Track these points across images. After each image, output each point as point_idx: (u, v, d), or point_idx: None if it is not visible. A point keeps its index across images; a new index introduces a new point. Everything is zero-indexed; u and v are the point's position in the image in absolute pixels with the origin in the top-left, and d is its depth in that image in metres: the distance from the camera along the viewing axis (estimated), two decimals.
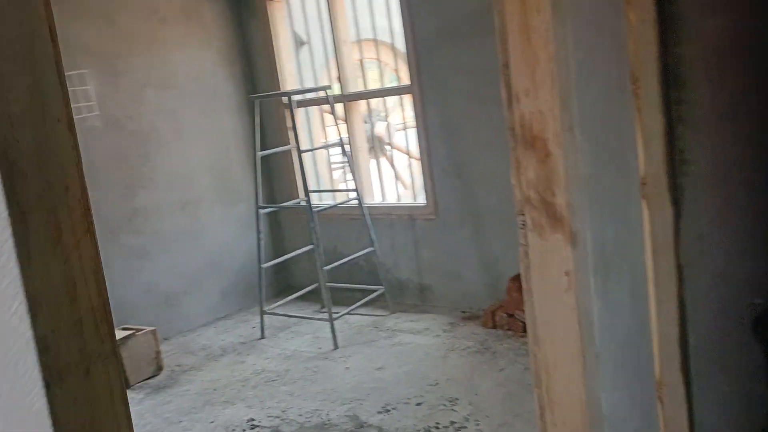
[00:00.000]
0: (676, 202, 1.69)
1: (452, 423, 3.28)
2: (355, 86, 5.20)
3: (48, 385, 0.70)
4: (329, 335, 4.45)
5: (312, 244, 4.61)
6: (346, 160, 4.85)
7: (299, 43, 5.63)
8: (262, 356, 4.44)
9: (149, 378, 4.27)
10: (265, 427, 3.49)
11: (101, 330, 0.73)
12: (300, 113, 5.52)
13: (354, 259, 4.93)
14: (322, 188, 5.57)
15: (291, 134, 5.16)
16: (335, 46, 5.07)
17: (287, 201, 5.42)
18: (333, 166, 6.16)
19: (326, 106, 5.37)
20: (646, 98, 1.65)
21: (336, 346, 4.40)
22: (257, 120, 4.60)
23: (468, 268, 4.70)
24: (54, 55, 0.74)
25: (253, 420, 3.57)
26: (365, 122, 6.06)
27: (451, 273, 4.80)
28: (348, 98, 5.13)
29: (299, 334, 4.75)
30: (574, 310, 1.64)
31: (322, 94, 4.81)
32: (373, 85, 6.11)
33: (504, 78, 1.61)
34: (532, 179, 1.62)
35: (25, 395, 0.69)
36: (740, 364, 1.73)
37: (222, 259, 5.30)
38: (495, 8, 1.68)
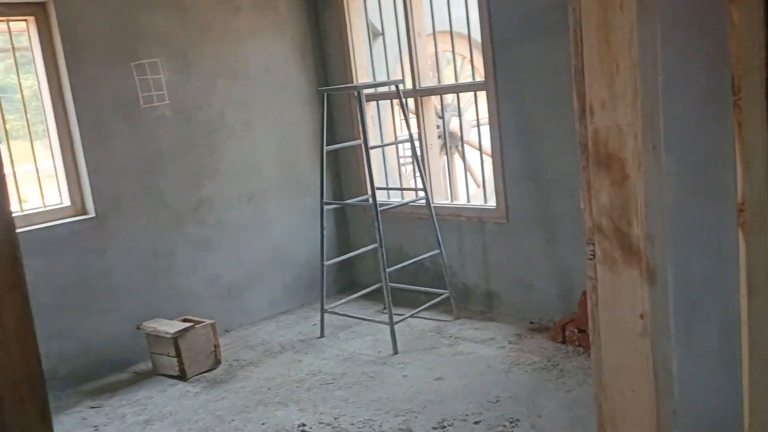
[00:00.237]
0: None
1: None
2: (429, 81, 5.00)
3: None
4: (389, 338, 4.30)
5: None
6: (416, 156, 4.67)
7: (374, 34, 5.48)
8: (319, 356, 4.34)
9: (207, 371, 4.23)
10: None
11: (28, 408, 0.59)
12: (371, 107, 5.38)
13: (419, 260, 4.75)
14: (391, 185, 5.41)
15: (360, 129, 5.01)
16: (409, 38, 4.88)
17: (355, 197, 5.29)
18: (403, 162, 5.99)
19: (398, 101, 5.19)
20: (749, 111, 1.38)
21: (395, 351, 4.25)
22: (325, 113, 4.48)
23: (539, 276, 4.44)
24: None
25: (304, 426, 3.46)
26: (439, 117, 5.85)
27: (521, 281, 4.55)
28: (420, 93, 4.94)
29: (359, 335, 4.61)
30: (648, 358, 1.41)
31: (393, 88, 4.64)
32: (448, 79, 5.89)
33: (577, 86, 1.39)
34: (605, 205, 1.39)
35: None
36: None
37: (286, 252, 5.22)
38: (570, 4, 1.45)
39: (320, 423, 3.47)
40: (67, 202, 4.30)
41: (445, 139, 5.67)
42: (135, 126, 4.42)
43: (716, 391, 1.53)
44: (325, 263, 4.67)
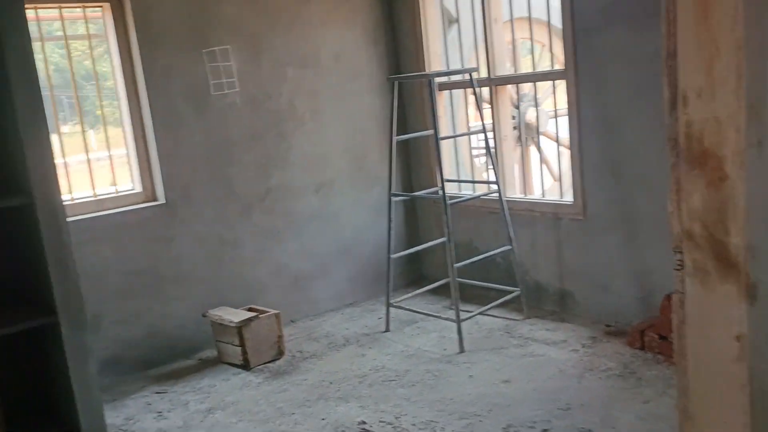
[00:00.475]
0: None
1: None
2: (504, 69, 4.80)
3: None
4: (456, 336, 4.15)
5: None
6: (489, 148, 4.48)
7: (449, 21, 5.30)
8: (383, 351, 4.23)
9: (270, 362, 4.20)
10: None
11: None
12: (443, 97, 5.21)
13: (489, 256, 4.57)
14: (462, 178, 5.24)
15: (431, 119, 4.86)
16: (485, 25, 4.69)
17: (425, 189, 5.14)
18: (476, 154, 5.80)
19: (471, 90, 5.01)
20: None
21: (462, 350, 4.10)
22: (395, 102, 4.35)
23: (617, 277, 4.19)
24: None
25: (364, 423, 3.37)
26: (515, 107, 5.63)
27: (597, 281, 4.31)
28: (495, 82, 4.74)
29: (425, 331, 4.49)
30: (744, 387, 1.22)
31: (466, 76, 4.47)
32: (525, 68, 5.66)
33: (668, 72, 1.20)
34: (698, 208, 1.21)
35: None
36: None
37: (353, 244, 5.14)
38: None
39: (381, 422, 3.37)
40: (138, 189, 4.34)
41: (520, 130, 5.45)
42: (205, 114, 4.42)
43: None
44: (392, 256, 4.56)
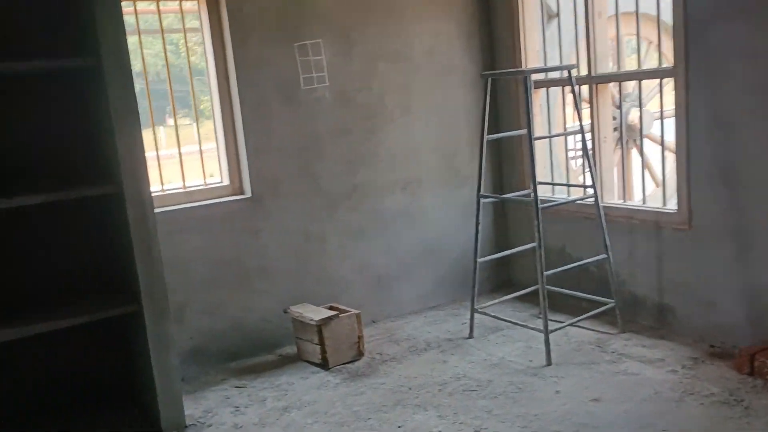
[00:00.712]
0: None
1: None
2: (607, 67, 4.51)
3: None
4: (543, 347, 3.93)
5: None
6: (586, 150, 4.22)
7: (548, 15, 5.05)
8: (466, 358, 4.07)
9: (348, 362, 4.13)
10: None
11: None
12: (539, 95, 4.97)
13: (583, 264, 4.32)
14: (556, 180, 4.98)
15: (525, 118, 4.65)
16: (588, 20, 4.42)
17: (516, 191, 4.92)
18: (572, 156, 5.52)
19: (569, 88, 4.75)
20: None
21: (549, 362, 3.88)
22: (487, 99, 4.17)
23: (725, 294, 3.85)
24: None
25: None
26: (616, 107, 5.31)
27: (702, 297, 3.97)
28: (596, 80, 4.46)
29: (511, 340, 4.28)
30: None
31: (565, 74, 4.22)
32: (629, 65, 5.32)
33: None
34: None
35: None
36: None
37: (439, 245, 5.00)
38: None
39: None
40: (226, 182, 4.36)
41: (621, 131, 5.13)
42: (294, 108, 4.38)
43: None
44: (479, 260, 4.38)
